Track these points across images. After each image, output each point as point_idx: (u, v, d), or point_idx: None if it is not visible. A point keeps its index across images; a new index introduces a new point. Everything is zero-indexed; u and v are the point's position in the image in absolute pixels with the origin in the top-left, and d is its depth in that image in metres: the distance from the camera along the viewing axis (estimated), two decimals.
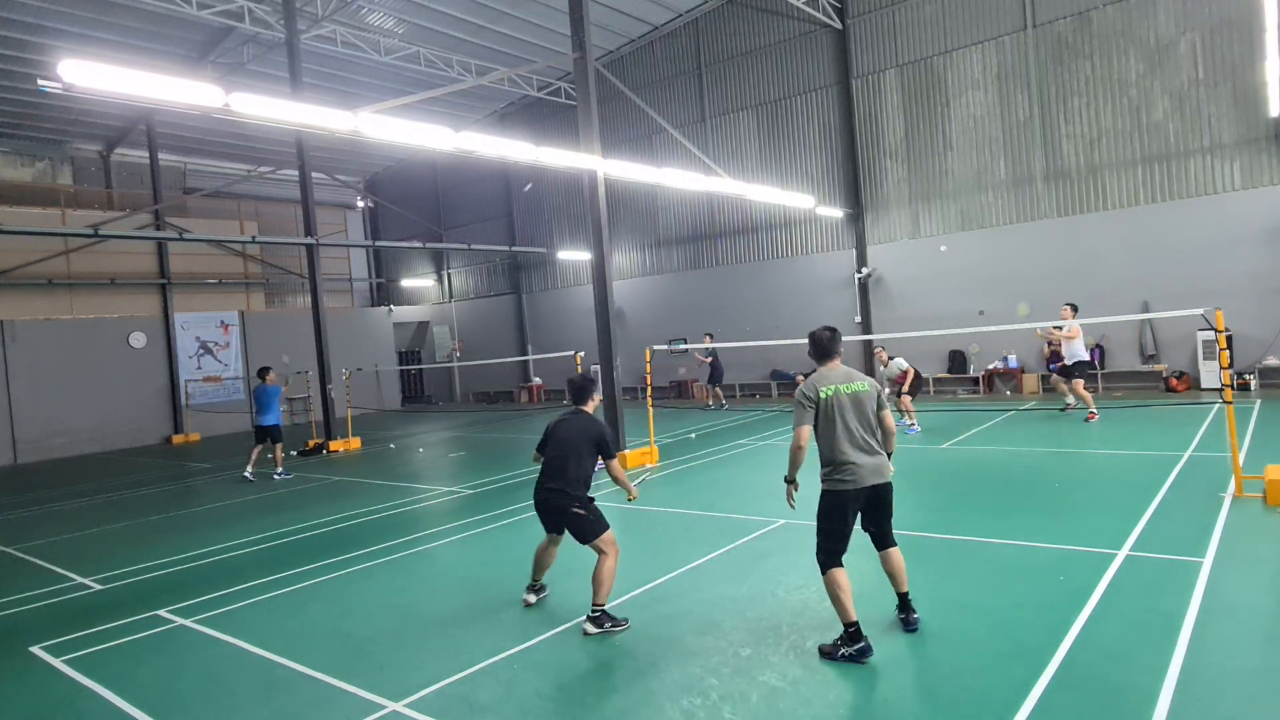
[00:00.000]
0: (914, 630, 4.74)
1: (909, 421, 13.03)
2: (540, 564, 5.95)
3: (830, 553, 4.60)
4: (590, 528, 5.47)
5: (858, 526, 4.74)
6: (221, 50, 19.27)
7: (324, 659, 5.15)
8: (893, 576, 4.84)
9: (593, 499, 5.64)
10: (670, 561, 6.67)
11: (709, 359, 19.22)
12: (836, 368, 4.79)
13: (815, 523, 4.71)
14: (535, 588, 5.96)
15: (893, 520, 4.81)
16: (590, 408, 5.93)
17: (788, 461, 4.76)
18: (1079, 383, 12.65)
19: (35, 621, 6.52)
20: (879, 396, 4.76)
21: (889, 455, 4.75)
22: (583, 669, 4.69)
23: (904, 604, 4.84)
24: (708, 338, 19.15)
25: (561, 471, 5.55)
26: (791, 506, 4.80)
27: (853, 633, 4.44)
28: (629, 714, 4.09)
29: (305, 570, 7.39)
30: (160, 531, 9.92)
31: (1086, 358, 12.96)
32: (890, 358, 13.55)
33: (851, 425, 4.60)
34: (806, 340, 4.91)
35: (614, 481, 5.81)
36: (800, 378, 20.07)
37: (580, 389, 5.94)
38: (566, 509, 5.51)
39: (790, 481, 4.80)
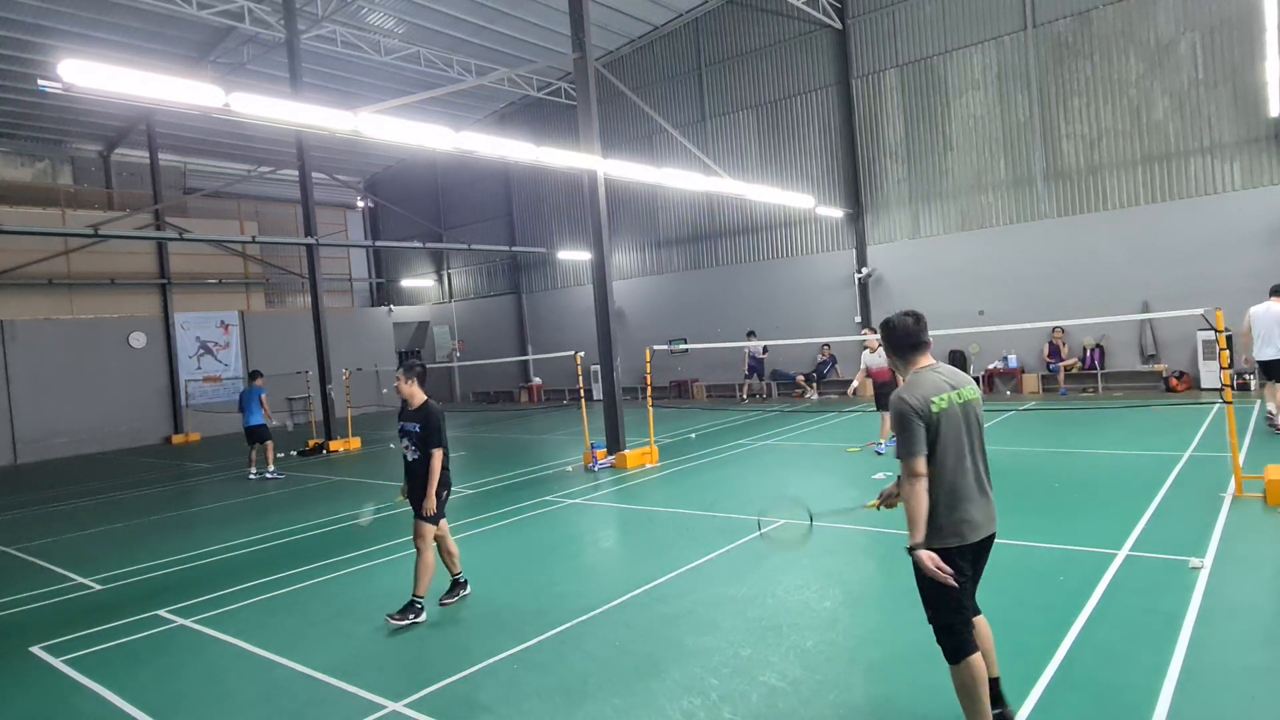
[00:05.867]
0: None
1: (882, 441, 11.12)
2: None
3: (958, 632, 3.31)
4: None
5: None
6: (221, 50, 19.27)
7: (324, 659, 5.15)
8: (988, 655, 3.50)
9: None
10: (670, 561, 6.67)
11: (765, 354, 20.31)
12: (939, 366, 3.49)
13: (921, 596, 3.40)
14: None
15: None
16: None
17: (908, 519, 3.23)
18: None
19: (35, 621, 6.53)
20: (980, 408, 3.50)
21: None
22: (583, 669, 4.69)
23: (998, 692, 3.51)
24: (751, 335, 19.89)
25: None
26: (950, 583, 3.23)
27: None
28: (629, 714, 4.08)
29: (305, 570, 7.39)
30: (160, 531, 9.92)
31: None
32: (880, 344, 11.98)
33: (965, 452, 3.34)
34: (880, 330, 3.69)
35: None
36: (800, 378, 20.03)
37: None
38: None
39: (920, 548, 3.23)
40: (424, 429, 5.78)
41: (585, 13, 12.14)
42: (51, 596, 7.24)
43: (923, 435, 3.25)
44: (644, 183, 19.26)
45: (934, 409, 3.27)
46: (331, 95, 21.46)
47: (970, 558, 3.40)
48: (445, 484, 5.92)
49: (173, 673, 5.19)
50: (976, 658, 3.30)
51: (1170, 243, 15.37)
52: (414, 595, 5.69)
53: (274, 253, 25.84)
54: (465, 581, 6.22)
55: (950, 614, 3.33)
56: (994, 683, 3.51)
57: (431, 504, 5.74)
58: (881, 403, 11.48)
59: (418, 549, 5.79)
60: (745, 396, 20.36)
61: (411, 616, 5.63)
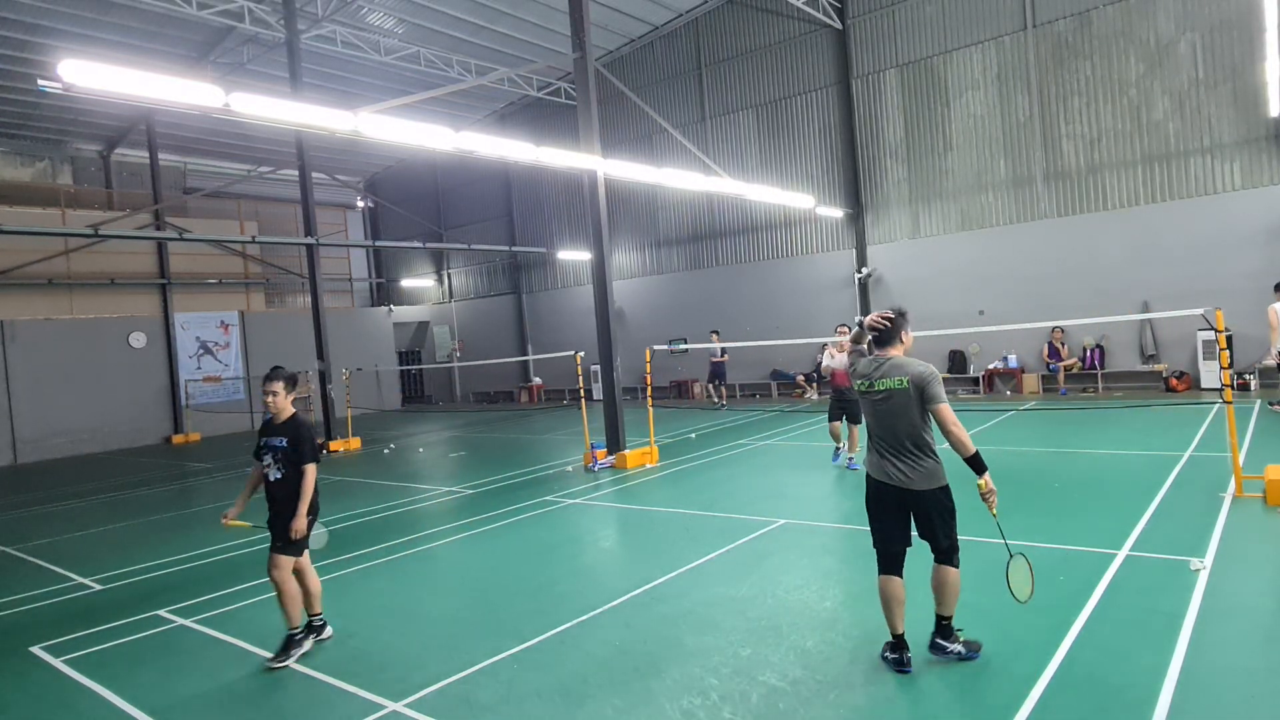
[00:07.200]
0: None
1: (849, 454, 10.07)
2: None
3: (877, 553, 4.46)
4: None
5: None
6: (221, 50, 19.27)
7: (324, 659, 5.16)
8: (935, 593, 4.41)
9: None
10: (670, 561, 6.66)
11: (725, 356, 19.52)
12: (884, 359, 4.45)
13: None
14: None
15: (940, 537, 4.35)
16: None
17: None
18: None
19: (35, 621, 6.52)
20: (924, 390, 4.24)
21: (971, 459, 4.16)
22: (583, 669, 4.69)
23: (939, 628, 4.40)
24: (715, 336, 19.46)
25: None
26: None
27: (893, 643, 4.37)
28: (629, 714, 4.09)
29: None
30: (160, 531, 9.92)
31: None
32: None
33: (880, 422, 4.43)
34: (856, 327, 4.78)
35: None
36: (800, 378, 20.10)
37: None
38: None
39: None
40: (295, 442, 5.29)
41: (585, 13, 12.14)
42: (51, 596, 7.24)
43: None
44: (644, 183, 19.26)
45: (855, 386, 4.62)
46: (331, 95, 21.46)
47: (883, 499, 4.43)
48: (313, 508, 5.34)
49: (173, 673, 5.19)
50: (883, 579, 4.40)
51: (1170, 243, 15.37)
52: (289, 630, 5.22)
53: (274, 253, 25.84)
54: (325, 624, 5.52)
55: (873, 537, 4.51)
56: (945, 619, 4.39)
57: (302, 524, 5.18)
58: (835, 414, 10.24)
59: (275, 582, 5.21)
60: (719, 401, 19.59)
61: (295, 652, 5.15)
